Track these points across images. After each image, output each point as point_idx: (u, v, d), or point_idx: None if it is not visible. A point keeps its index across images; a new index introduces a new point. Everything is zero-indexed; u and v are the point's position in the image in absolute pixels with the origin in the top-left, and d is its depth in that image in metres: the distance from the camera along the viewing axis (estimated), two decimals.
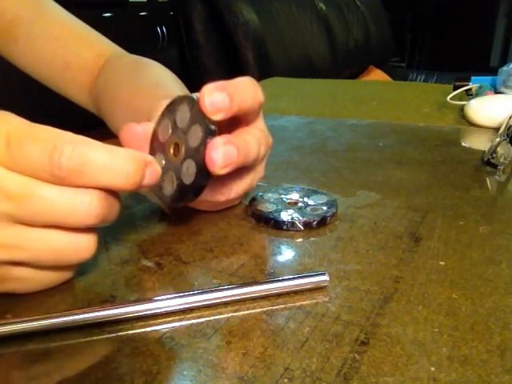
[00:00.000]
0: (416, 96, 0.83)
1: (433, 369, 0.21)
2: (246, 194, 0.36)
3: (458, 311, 0.25)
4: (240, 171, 0.32)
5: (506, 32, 4.42)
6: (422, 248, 0.31)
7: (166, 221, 0.35)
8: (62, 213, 0.23)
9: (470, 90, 0.73)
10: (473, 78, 0.75)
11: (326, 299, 0.26)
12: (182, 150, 0.29)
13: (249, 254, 0.30)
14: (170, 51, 2.59)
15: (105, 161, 0.23)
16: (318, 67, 1.85)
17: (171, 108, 0.30)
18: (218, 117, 0.28)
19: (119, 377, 0.20)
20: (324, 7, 2.02)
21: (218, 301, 0.25)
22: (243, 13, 1.52)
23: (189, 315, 0.24)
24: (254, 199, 0.36)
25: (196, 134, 0.28)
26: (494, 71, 0.71)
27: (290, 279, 0.26)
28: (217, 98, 0.27)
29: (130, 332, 0.23)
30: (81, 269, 0.28)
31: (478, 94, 0.68)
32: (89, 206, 0.23)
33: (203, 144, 0.28)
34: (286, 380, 0.20)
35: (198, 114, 0.28)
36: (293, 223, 0.33)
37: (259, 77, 1.38)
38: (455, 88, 0.75)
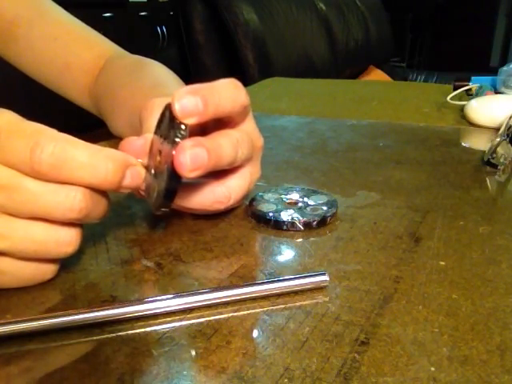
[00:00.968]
0: (416, 96, 0.83)
1: (433, 369, 0.21)
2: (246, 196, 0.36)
3: (458, 311, 0.25)
4: (234, 177, 0.32)
5: (506, 32, 4.43)
6: (421, 248, 0.31)
7: (165, 221, 0.35)
8: (47, 206, 0.24)
9: (470, 90, 0.73)
10: (473, 78, 0.75)
11: (326, 299, 0.26)
12: (162, 156, 0.28)
13: (249, 254, 0.30)
14: (170, 51, 2.59)
15: (84, 159, 0.24)
16: (318, 67, 1.85)
17: (161, 115, 0.30)
18: (190, 121, 0.27)
19: (119, 377, 0.20)
20: (324, 7, 2.02)
21: (218, 301, 0.25)
22: (243, 13, 1.52)
23: (189, 315, 0.24)
24: (254, 199, 0.36)
25: (170, 139, 0.27)
26: (494, 71, 0.71)
27: (290, 279, 0.26)
28: (188, 102, 0.27)
29: (130, 332, 0.23)
30: (81, 269, 0.28)
31: (477, 94, 0.68)
32: (73, 200, 0.24)
33: (174, 148, 0.27)
34: (286, 380, 0.20)
35: (173, 120, 0.27)
36: (293, 223, 0.33)
37: (259, 77, 1.38)
38: (455, 88, 0.75)
